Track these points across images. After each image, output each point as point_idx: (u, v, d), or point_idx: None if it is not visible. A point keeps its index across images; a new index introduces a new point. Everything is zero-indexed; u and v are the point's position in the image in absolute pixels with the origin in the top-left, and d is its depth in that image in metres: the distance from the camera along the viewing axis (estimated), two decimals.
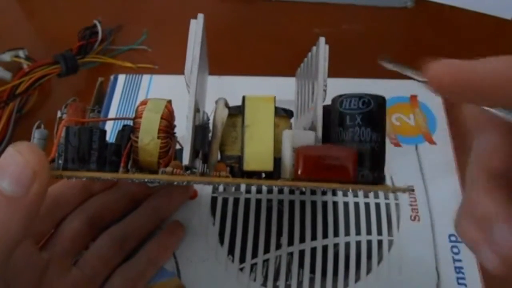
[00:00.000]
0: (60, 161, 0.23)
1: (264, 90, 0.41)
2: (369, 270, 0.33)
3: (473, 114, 0.20)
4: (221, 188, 0.36)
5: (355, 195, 0.36)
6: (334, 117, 0.25)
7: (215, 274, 0.33)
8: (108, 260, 0.31)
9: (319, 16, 0.51)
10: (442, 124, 0.40)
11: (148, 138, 0.24)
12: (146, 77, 0.44)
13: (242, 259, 0.34)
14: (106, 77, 0.44)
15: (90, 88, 0.44)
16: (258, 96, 0.26)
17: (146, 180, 0.25)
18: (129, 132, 0.24)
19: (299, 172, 0.22)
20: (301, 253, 0.34)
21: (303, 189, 0.36)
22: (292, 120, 0.27)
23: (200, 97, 0.27)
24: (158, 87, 0.43)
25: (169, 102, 0.25)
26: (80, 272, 0.30)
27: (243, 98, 0.26)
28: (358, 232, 0.35)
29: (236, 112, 0.26)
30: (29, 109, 0.44)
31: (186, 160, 0.23)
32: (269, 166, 0.25)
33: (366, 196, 0.36)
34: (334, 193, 0.36)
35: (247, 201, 0.36)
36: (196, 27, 0.25)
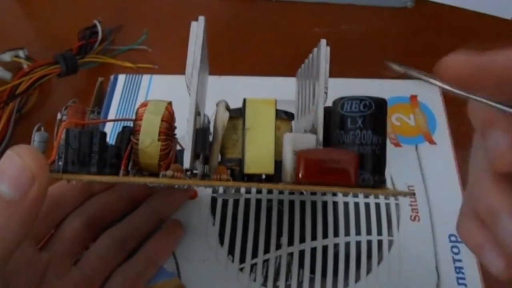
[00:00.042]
0: (60, 163, 0.23)
1: (264, 90, 0.42)
2: (369, 270, 0.33)
3: (480, 112, 0.20)
4: (221, 190, 0.36)
5: (355, 195, 0.36)
6: (335, 119, 0.25)
7: (215, 274, 0.33)
8: (108, 261, 0.31)
9: (319, 16, 0.51)
10: (442, 124, 0.40)
11: (148, 140, 0.24)
12: (146, 77, 0.44)
13: (242, 259, 0.34)
14: (106, 77, 0.44)
15: (90, 88, 0.44)
16: (259, 99, 0.26)
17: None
18: (129, 134, 0.24)
19: (300, 175, 0.22)
20: (301, 253, 0.34)
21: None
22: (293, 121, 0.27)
23: (200, 100, 0.27)
24: (158, 87, 0.43)
25: (170, 103, 0.25)
26: (80, 272, 0.30)
27: (244, 100, 0.26)
28: (358, 232, 0.35)
29: (237, 115, 0.26)
30: (29, 109, 0.44)
31: (187, 163, 0.23)
32: (269, 169, 0.25)
33: (366, 196, 0.36)
34: (334, 193, 0.36)
35: (247, 201, 0.36)
36: (197, 30, 0.25)
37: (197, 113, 0.25)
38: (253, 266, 0.33)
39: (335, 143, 0.25)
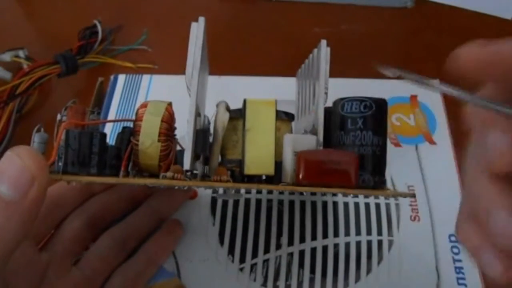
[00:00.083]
0: (60, 164, 0.23)
1: (264, 90, 0.42)
2: (369, 270, 0.33)
3: (479, 112, 0.20)
4: (221, 190, 0.36)
5: (355, 196, 0.36)
6: (335, 120, 0.25)
7: (215, 274, 0.33)
8: (108, 261, 0.31)
9: (319, 16, 0.51)
10: (442, 124, 0.40)
11: (148, 141, 0.24)
12: (146, 77, 0.44)
13: (242, 259, 0.34)
14: (106, 77, 0.44)
15: (90, 88, 0.44)
16: (259, 99, 0.26)
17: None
18: (129, 134, 0.24)
19: (300, 176, 0.22)
20: (301, 253, 0.34)
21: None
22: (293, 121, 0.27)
23: (200, 100, 0.27)
24: (158, 87, 0.43)
25: (170, 104, 0.25)
26: (80, 272, 0.30)
27: (244, 101, 0.26)
28: (358, 232, 0.35)
29: (237, 116, 0.26)
30: (29, 109, 0.44)
31: (187, 164, 0.23)
32: (270, 170, 0.25)
33: (366, 196, 0.36)
34: (334, 194, 0.36)
35: (247, 201, 0.36)
36: (197, 30, 0.25)
37: (197, 114, 0.25)
38: (253, 266, 0.33)
39: (336, 144, 0.25)
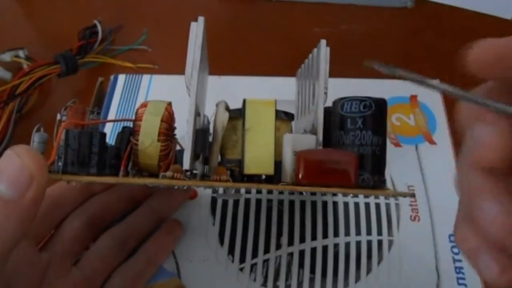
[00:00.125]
0: (59, 164, 0.23)
1: (264, 90, 0.42)
2: (369, 270, 0.33)
3: (470, 108, 0.19)
4: (221, 190, 0.36)
5: (355, 196, 0.36)
6: (335, 120, 0.25)
7: (215, 274, 0.33)
8: (108, 261, 0.31)
9: (319, 16, 0.51)
10: (442, 124, 0.40)
11: (148, 141, 0.24)
12: (146, 77, 0.44)
13: (242, 259, 0.34)
14: (106, 77, 0.44)
15: (90, 88, 0.44)
16: (259, 99, 0.26)
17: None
18: (128, 134, 0.24)
19: (300, 176, 0.22)
20: (301, 253, 0.34)
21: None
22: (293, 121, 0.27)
23: (200, 100, 0.27)
24: (158, 87, 0.43)
25: (169, 104, 0.25)
26: (80, 272, 0.30)
27: (244, 101, 0.26)
28: (358, 232, 0.35)
29: (237, 115, 0.26)
30: (29, 109, 0.44)
31: (186, 164, 0.23)
32: (269, 169, 0.25)
33: (366, 196, 0.36)
34: (334, 194, 0.36)
35: (247, 201, 0.36)
36: (196, 30, 0.25)
37: (197, 114, 0.25)
38: (253, 266, 0.33)
39: (335, 143, 0.25)
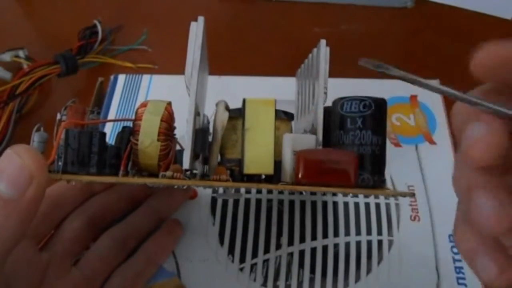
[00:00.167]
0: (59, 163, 0.23)
1: (264, 90, 0.42)
2: (369, 270, 0.33)
3: (466, 108, 0.19)
4: (221, 190, 0.36)
5: (355, 196, 0.36)
6: (334, 120, 0.25)
7: (215, 274, 0.33)
8: (108, 261, 0.31)
9: (319, 16, 0.51)
10: (442, 124, 0.40)
11: (148, 140, 0.24)
12: (146, 77, 0.44)
13: (242, 259, 0.34)
14: (106, 77, 0.44)
15: (90, 88, 0.44)
16: (259, 99, 0.26)
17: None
18: (128, 134, 0.24)
19: (300, 176, 0.22)
20: (301, 253, 0.34)
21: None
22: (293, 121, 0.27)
23: (200, 100, 0.27)
24: (158, 87, 0.43)
25: (169, 104, 0.25)
26: (80, 272, 0.30)
27: (244, 101, 0.26)
28: (358, 232, 0.35)
29: (236, 115, 0.26)
30: (29, 109, 0.44)
31: (186, 164, 0.23)
32: (269, 169, 0.25)
33: (366, 196, 0.36)
34: (334, 194, 0.36)
35: (247, 201, 0.36)
36: (196, 30, 0.25)
37: (197, 114, 0.25)
38: (253, 266, 0.33)
39: (335, 143, 0.25)
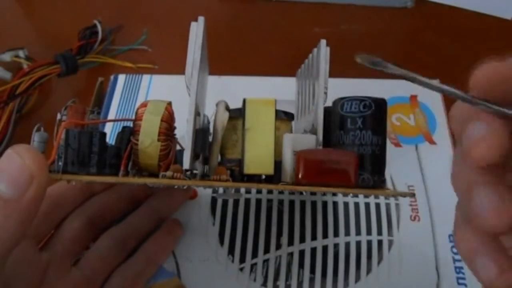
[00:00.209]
0: (60, 163, 0.23)
1: (264, 90, 0.42)
2: (369, 270, 0.33)
3: (465, 107, 0.19)
4: (221, 190, 0.36)
5: (355, 195, 0.36)
6: (335, 120, 0.25)
7: (215, 274, 0.33)
8: (108, 261, 0.31)
9: (319, 16, 0.51)
10: (442, 124, 0.40)
11: (148, 140, 0.24)
12: (146, 77, 0.44)
13: (242, 259, 0.34)
14: (106, 77, 0.44)
15: (90, 88, 0.44)
16: (259, 99, 0.26)
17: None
18: (128, 134, 0.24)
19: (300, 176, 0.22)
20: (301, 253, 0.34)
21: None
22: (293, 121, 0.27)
23: (200, 100, 0.27)
24: (158, 87, 0.43)
25: (169, 104, 0.25)
26: (80, 272, 0.30)
27: (244, 101, 0.26)
28: (358, 232, 0.35)
29: (237, 115, 0.26)
30: (29, 109, 0.44)
31: (186, 164, 0.23)
32: (269, 169, 0.25)
33: (366, 196, 0.36)
34: (334, 194, 0.36)
35: (247, 201, 0.36)
36: (196, 30, 0.25)
37: (197, 114, 0.25)
38: (253, 266, 0.33)
39: (335, 143, 0.25)
